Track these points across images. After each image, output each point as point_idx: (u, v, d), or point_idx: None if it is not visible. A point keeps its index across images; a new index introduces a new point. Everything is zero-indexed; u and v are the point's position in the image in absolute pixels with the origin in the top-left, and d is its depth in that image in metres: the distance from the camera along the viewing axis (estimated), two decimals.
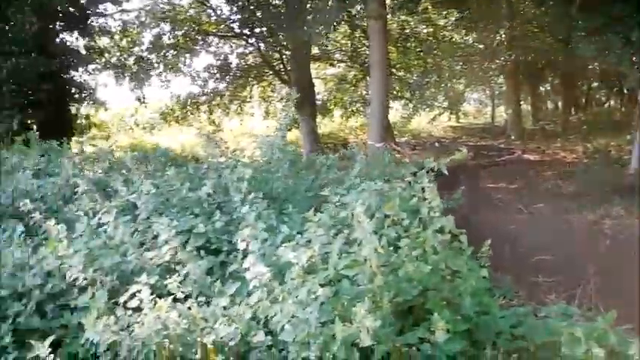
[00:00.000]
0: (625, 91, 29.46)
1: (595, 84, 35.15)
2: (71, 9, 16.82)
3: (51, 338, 3.51)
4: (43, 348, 3.36)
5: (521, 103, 29.58)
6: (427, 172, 4.70)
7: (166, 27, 19.23)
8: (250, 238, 4.04)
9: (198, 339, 3.55)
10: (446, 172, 4.73)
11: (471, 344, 3.61)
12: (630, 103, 27.54)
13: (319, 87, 25.91)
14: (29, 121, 14.01)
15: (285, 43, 18.88)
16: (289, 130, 21.16)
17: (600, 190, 12.25)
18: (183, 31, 19.57)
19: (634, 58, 12.84)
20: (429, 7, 23.44)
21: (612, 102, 36.91)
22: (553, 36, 22.07)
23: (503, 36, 24.50)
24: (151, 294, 3.86)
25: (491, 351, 3.41)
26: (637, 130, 14.31)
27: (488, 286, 4.09)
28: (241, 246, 4.06)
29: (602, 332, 3.51)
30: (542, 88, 34.46)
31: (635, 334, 3.57)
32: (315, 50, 22.01)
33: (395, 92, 24.59)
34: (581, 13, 13.86)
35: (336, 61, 24.50)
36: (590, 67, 26.81)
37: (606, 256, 8.35)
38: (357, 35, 21.55)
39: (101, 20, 18.44)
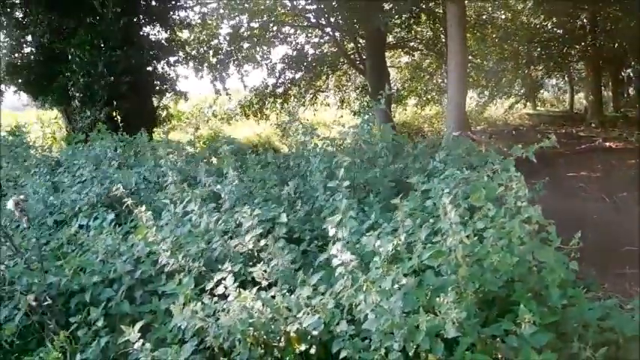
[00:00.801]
0: None
1: None
2: (153, 2, 17.20)
3: (140, 323, 3.57)
4: (133, 333, 3.45)
5: (602, 89, 28.67)
6: (515, 160, 4.62)
7: (244, 18, 19.48)
8: (338, 226, 4.05)
9: (282, 327, 3.60)
10: (534, 160, 4.64)
11: (558, 336, 3.54)
12: None
13: (394, 75, 25.76)
14: (114, 113, 14.35)
15: (360, 32, 18.80)
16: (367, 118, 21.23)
17: None
18: (259, 23, 19.75)
19: None
20: None
21: None
22: (637, 19, 21.29)
23: (585, 20, 23.77)
24: (235, 281, 3.93)
25: (578, 343, 3.34)
26: None
27: (574, 277, 4.00)
28: (331, 232, 4.07)
29: None
30: (623, 74, 33.30)
31: None
32: (390, 38, 21.86)
33: (471, 80, 24.23)
34: None
35: (411, 50, 24.27)
36: None
37: None
38: (434, 23, 21.28)
39: (182, 13, 18.80)
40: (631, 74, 33.74)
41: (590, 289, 5.76)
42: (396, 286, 3.45)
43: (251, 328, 3.56)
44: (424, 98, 25.51)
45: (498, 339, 3.36)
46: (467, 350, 3.26)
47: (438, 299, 3.25)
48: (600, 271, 6.80)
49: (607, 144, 19.27)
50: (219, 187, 5.59)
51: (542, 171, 6.57)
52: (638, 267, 6.99)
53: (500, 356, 3.33)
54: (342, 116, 22.87)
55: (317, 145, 6.52)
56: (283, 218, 4.99)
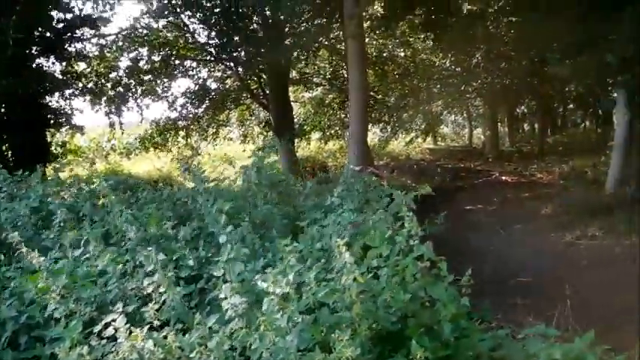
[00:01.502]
0: (600, 112, 29.85)
1: (571, 106, 35.57)
2: (48, 33, 16.76)
3: None
4: None
5: (499, 124, 29.83)
6: (399, 203, 4.72)
7: (144, 51, 19.23)
8: (227, 267, 4.01)
9: None
10: (414, 206, 4.75)
11: None
12: (606, 125, 27.91)
13: (297, 110, 25.97)
14: (3, 147, 13.81)
15: (263, 67, 18.89)
16: (270, 154, 21.14)
17: (577, 210, 12.35)
18: (160, 56, 19.55)
19: (609, 80, 13.00)
20: (407, 30, 23.66)
21: (588, 123, 37.34)
22: (529, 58, 22.35)
23: (480, 58, 24.76)
24: (127, 323, 3.81)
25: None
26: (612, 151, 14.48)
27: (466, 310, 4.10)
28: (218, 273, 4.02)
29: (580, 353, 3.53)
30: (518, 110, 34.76)
31: (612, 354, 3.58)
32: (293, 73, 22.06)
33: (373, 115, 24.71)
34: (556, 35, 14.03)
35: (314, 85, 24.57)
36: (566, 88, 27.15)
37: (583, 277, 8.40)
38: (336, 59, 21.65)
39: (78, 45, 18.36)
40: (525, 111, 35.28)
41: (484, 319, 5.93)
42: (291, 324, 3.44)
43: None
44: (327, 133, 25.79)
45: None
46: None
47: (332, 336, 3.25)
48: (494, 301, 7.00)
49: (503, 178, 19.98)
50: (108, 227, 5.44)
51: (441, 205, 6.75)
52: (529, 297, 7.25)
53: None
54: (244, 150, 22.85)
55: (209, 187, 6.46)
56: (190, 262, 4.92)
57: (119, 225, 5.41)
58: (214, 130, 22.82)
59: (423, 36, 24.02)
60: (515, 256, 9.86)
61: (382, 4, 18.44)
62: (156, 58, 19.50)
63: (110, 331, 3.81)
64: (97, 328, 3.86)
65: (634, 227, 10.55)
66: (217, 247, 5.30)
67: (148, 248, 4.52)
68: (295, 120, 23.38)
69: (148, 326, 3.82)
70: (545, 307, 6.81)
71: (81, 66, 19.23)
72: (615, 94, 13.93)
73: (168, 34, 19.89)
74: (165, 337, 3.71)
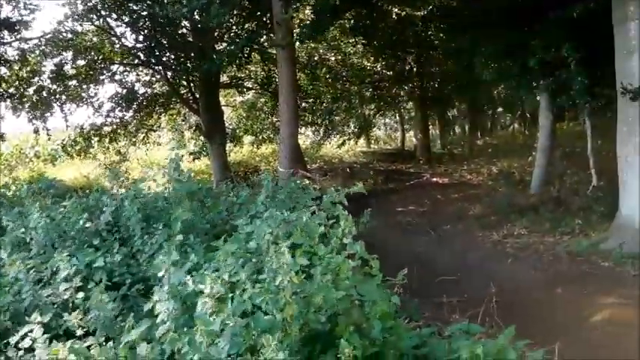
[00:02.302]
0: (527, 115, 30.65)
1: (500, 109, 36.43)
2: None
3: None
4: None
5: (430, 128, 30.30)
6: (331, 201, 4.74)
7: (68, 56, 18.71)
8: (158, 271, 3.94)
9: None
10: (346, 203, 4.79)
11: None
12: (532, 127, 28.67)
13: (229, 114, 25.79)
14: None
15: (193, 71, 18.67)
16: (197, 159, 20.82)
17: (504, 210, 12.65)
18: (86, 61, 19.08)
19: (533, 84, 13.36)
20: (337, 35, 23.81)
21: (516, 125, 38.30)
22: (457, 63, 22.81)
23: (411, 63, 25.13)
24: (45, 333, 3.69)
25: None
26: (537, 152, 14.89)
27: (395, 309, 4.13)
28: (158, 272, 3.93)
29: (501, 348, 3.59)
30: (449, 114, 35.37)
31: (533, 348, 3.67)
32: (224, 77, 21.89)
33: (306, 119, 24.75)
34: (481, 41, 14.36)
35: (246, 89, 24.44)
36: (494, 92, 27.80)
37: (508, 274, 8.61)
38: (267, 63, 21.59)
39: None
40: (455, 114, 35.94)
41: (413, 318, 6.00)
42: (222, 327, 3.39)
43: None
44: (260, 137, 25.68)
45: None
46: None
47: (262, 340, 3.23)
48: (423, 300, 7.10)
49: (434, 179, 20.31)
50: (22, 230, 5.27)
51: (373, 206, 6.77)
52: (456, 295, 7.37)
53: None
54: (184, 155, 22.50)
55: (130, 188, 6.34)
56: (100, 262, 4.79)
57: (36, 231, 5.25)
58: (143, 135, 22.40)
59: (353, 40, 24.22)
60: (443, 255, 10.03)
61: (311, 10, 18.49)
62: (81, 62, 19.01)
63: (27, 342, 3.68)
64: (13, 339, 3.72)
65: (557, 225, 10.88)
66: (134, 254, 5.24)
67: (65, 254, 4.40)
68: (227, 124, 23.20)
69: (70, 336, 3.72)
70: (471, 304, 6.94)
71: (2, 70, 18.62)
72: (538, 98, 14.33)
73: (94, 38, 19.41)
74: (88, 348, 3.61)
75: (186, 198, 6.18)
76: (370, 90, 26.58)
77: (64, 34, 18.33)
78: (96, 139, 20.78)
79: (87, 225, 5.57)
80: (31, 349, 3.61)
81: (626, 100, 8.59)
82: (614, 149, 9.47)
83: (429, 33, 23.63)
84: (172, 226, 5.38)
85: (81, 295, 4.15)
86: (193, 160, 21.72)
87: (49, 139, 20.27)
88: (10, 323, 4.04)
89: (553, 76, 12.56)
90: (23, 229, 5.32)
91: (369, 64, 26.95)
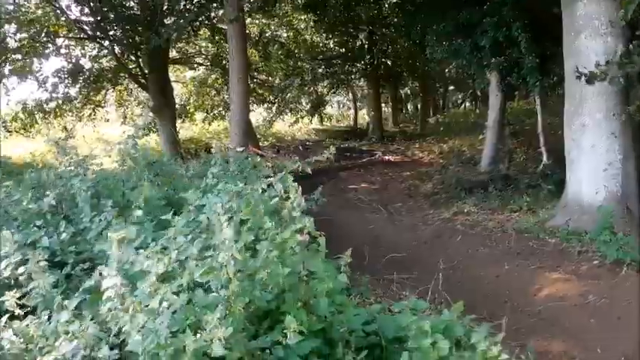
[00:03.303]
0: (478, 93, 31.01)
1: (451, 87, 36.80)
2: None
3: None
4: None
5: (382, 106, 30.42)
6: (290, 172, 4.68)
7: (11, 29, 18.11)
8: (104, 248, 3.85)
9: (38, 358, 3.32)
10: (309, 172, 4.75)
11: (325, 343, 3.61)
12: (483, 105, 29.02)
13: (179, 91, 25.46)
14: None
15: (141, 46, 18.29)
16: (146, 135, 20.55)
17: (454, 188, 12.79)
18: (30, 34, 18.51)
19: (483, 62, 13.46)
20: (289, 10, 23.65)
21: (468, 104, 38.75)
22: (409, 40, 22.89)
23: (363, 40, 25.10)
24: None
25: (343, 348, 3.42)
26: (487, 130, 15.07)
27: (343, 286, 4.12)
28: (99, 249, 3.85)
29: (449, 324, 3.62)
30: (401, 92, 35.58)
31: (480, 323, 3.70)
32: (173, 53, 21.55)
33: (257, 96, 24.59)
34: (432, 18, 14.41)
35: (196, 65, 24.13)
36: (446, 70, 28.01)
37: (458, 251, 8.70)
38: (218, 39, 21.31)
39: None
40: (408, 92, 36.18)
41: (364, 295, 6.03)
42: (165, 304, 3.33)
43: None
44: (211, 114, 25.45)
45: (267, 350, 3.36)
46: None
47: (205, 317, 3.18)
48: (373, 278, 7.13)
49: (386, 157, 20.43)
50: None
51: (326, 184, 6.75)
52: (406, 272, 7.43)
53: None
54: (124, 132, 22.11)
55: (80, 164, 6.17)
56: (45, 242, 4.66)
57: None
58: (90, 112, 21.93)
59: (305, 17, 24.10)
60: (394, 233, 10.08)
61: None
62: (24, 35, 18.43)
63: None
64: None
65: (506, 202, 11.03)
66: (80, 232, 5.12)
67: (5, 231, 4.26)
68: (177, 100, 22.90)
69: (9, 315, 3.61)
70: (421, 281, 7.01)
71: None
72: (489, 76, 14.46)
73: (38, 11, 18.82)
74: (27, 326, 3.52)
75: (145, 171, 6.10)
76: (323, 67, 26.50)
77: (6, 7, 17.73)
78: (39, 115, 20.28)
79: (30, 206, 5.42)
80: None
81: (573, 80, 8.71)
82: (563, 127, 9.61)
83: (382, 10, 23.63)
84: (133, 201, 5.30)
85: (22, 270, 4.03)
86: (142, 136, 21.35)
87: None
88: None
89: (504, 54, 12.70)
90: None
91: (321, 41, 26.88)
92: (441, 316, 3.80)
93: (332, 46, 27.20)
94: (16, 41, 18.35)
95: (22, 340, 3.35)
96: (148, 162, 6.61)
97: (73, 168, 6.03)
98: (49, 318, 3.72)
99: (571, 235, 8.63)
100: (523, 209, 10.56)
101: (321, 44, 27.13)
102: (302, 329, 3.29)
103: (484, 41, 12.49)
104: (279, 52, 24.53)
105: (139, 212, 5.32)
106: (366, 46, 25.43)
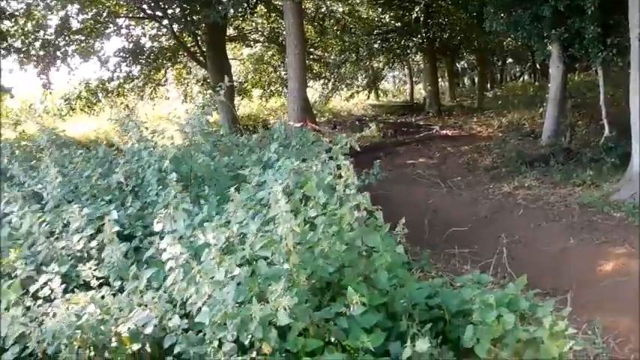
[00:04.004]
0: (537, 66, 30.35)
1: (510, 60, 36.10)
2: None
3: None
4: None
5: (439, 80, 30.05)
6: (341, 147, 4.70)
7: (73, 9, 18.47)
8: (167, 220, 3.94)
9: (113, 328, 3.45)
10: (357, 148, 4.75)
11: (388, 317, 3.65)
12: (542, 78, 28.38)
13: (237, 68, 25.62)
14: None
15: (199, 24, 18.46)
16: (215, 110, 20.78)
17: (514, 162, 12.61)
18: (92, 14, 18.82)
19: (543, 33, 13.17)
20: None
21: (526, 77, 37.98)
22: (467, 12, 22.50)
23: (419, 13, 24.78)
24: (63, 283, 3.73)
25: (407, 322, 3.45)
26: (548, 103, 14.76)
27: (404, 260, 4.13)
28: (157, 227, 3.96)
29: (513, 298, 3.61)
30: (458, 65, 35.11)
31: (544, 298, 3.68)
32: (230, 31, 21.69)
33: (314, 72, 24.58)
34: None
35: (252, 42, 24.23)
36: (504, 42, 27.46)
37: (519, 225, 8.59)
38: (274, 15, 21.34)
39: (3, 3, 17.49)
40: (465, 65, 35.65)
41: (424, 269, 6.04)
42: (228, 276, 3.41)
43: (78, 331, 3.37)
44: (268, 90, 25.56)
45: (330, 322, 3.41)
46: (299, 335, 3.28)
47: (270, 287, 3.25)
48: (434, 252, 7.14)
49: (443, 132, 20.21)
50: (40, 186, 5.27)
51: (384, 159, 6.76)
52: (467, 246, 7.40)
53: (333, 339, 3.38)
54: (187, 110, 22.45)
55: (148, 139, 6.30)
56: (114, 215, 4.80)
57: (52, 185, 5.26)
58: (151, 90, 22.31)
59: None
60: (454, 207, 10.01)
61: None
62: (87, 16, 18.76)
63: (46, 291, 3.72)
64: (32, 288, 3.76)
65: (568, 176, 10.83)
66: (152, 206, 5.24)
67: (75, 206, 4.41)
68: (235, 78, 23.06)
69: (86, 286, 3.75)
70: (482, 256, 6.98)
71: (7, 24, 18.40)
72: (550, 48, 14.13)
73: None
74: (102, 298, 3.65)
75: (210, 147, 6.22)
76: (378, 42, 26.24)
77: None
78: (102, 93, 20.72)
79: (99, 183, 5.58)
80: (49, 299, 3.65)
81: (638, 50, 8.46)
82: (626, 99, 9.36)
83: None
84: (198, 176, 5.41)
85: (94, 243, 4.17)
86: (209, 114, 21.57)
87: (50, 93, 20.14)
88: (30, 273, 4.06)
89: (565, 25, 12.39)
90: (40, 185, 5.34)
91: (377, 16, 26.64)
92: (505, 290, 3.78)
93: (388, 20, 26.89)
94: (78, 22, 18.72)
95: (99, 311, 3.46)
96: (212, 138, 6.71)
97: (139, 144, 6.18)
98: (121, 289, 3.86)
99: (636, 208, 8.44)
100: (586, 183, 10.36)
101: (376, 19, 26.85)
102: (364, 301, 3.34)
103: (545, 11, 12.20)
104: (335, 28, 24.40)
105: (204, 187, 5.44)
106: (422, 19, 25.02)
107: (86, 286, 3.86)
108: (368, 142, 16.07)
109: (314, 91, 26.47)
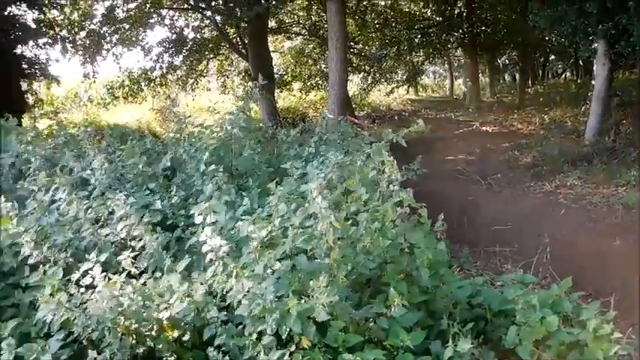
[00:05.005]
0: (580, 62, 29.86)
1: (552, 56, 35.56)
2: None
3: (13, 322, 3.44)
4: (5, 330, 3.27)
5: (480, 75, 29.75)
6: (387, 143, 4.67)
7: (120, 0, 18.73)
8: (207, 211, 3.97)
9: (154, 315, 3.48)
10: (404, 144, 4.72)
11: (428, 315, 3.63)
12: (585, 75, 27.91)
13: (277, 60, 25.70)
14: None
15: (241, 16, 18.55)
16: (255, 103, 20.88)
17: (556, 160, 12.41)
18: (136, 4, 19.05)
19: (589, 29, 12.93)
20: None
21: (568, 74, 37.40)
22: (510, 7, 22.22)
23: (461, 8, 24.54)
24: (104, 271, 3.77)
25: (447, 320, 3.42)
26: (592, 101, 14.51)
27: (445, 258, 4.10)
28: (198, 219, 3.99)
29: (556, 299, 3.55)
30: (499, 61, 34.71)
31: (587, 300, 3.62)
32: (272, 23, 21.75)
33: (353, 65, 24.52)
34: None
35: (294, 35, 24.28)
36: (547, 38, 27.07)
37: (561, 225, 8.46)
38: (315, 8, 21.36)
39: None
40: (506, 61, 35.23)
41: (464, 267, 5.98)
42: (268, 271, 3.43)
43: (121, 317, 3.42)
44: (308, 83, 25.59)
45: (370, 320, 3.40)
46: (339, 331, 3.28)
47: (310, 282, 3.25)
48: (474, 250, 7.06)
49: (483, 128, 19.99)
50: (88, 172, 5.35)
51: (422, 154, 6.69)
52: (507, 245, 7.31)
53: (373, 337, 3.37)
54: (223, 102, 22.72)
55: (193, 132, 6.34)
56: (158, 205, 4.85)
57: (100, 172, 5.34)
58: (193, 81, 22.52)
59: None
60: (494, 205, 9.90)
61: None
62: (131, 5, 19.01)
63: (88, 279, 3.77)
64: (75, 276, 3.81)
65: (612, 176, 10.64)
66: (190, 197, 5.29)
67: (120, 194, 4.46)
68: (275, 70, 23.14)
69: (126, 274, 3.79)
70: (523, 255, 6.89)
71: (54, 14, 18.74)
72: (595, 44, 13.87)
73: None
74: (144, 284, 3.69)
75: (250, 138, 6.24)
76: (419, 36, 26.08)
77: None
78: (145, 82, 20.96)
79: (144, 170, 5.64)
80: (91, 287, 3.70)
81: None
82: None
83: None
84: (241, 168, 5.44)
85: (136, 233, 4.21)
86: (250, 109, 21.68)
87: (94, 82, 20.44)
88: (72, 260, 4.12)
89: (612, 21, 12.15)
90: (89, 171, 5.42)
91: (418, 10, 26.46)
92: (547, 291, 3.73)
93: (429, 14, 26.71)
94: (123, 12, 18.96)
95: (140, 297, 3.50)
96: (253, 129, 6.75)
97: (183, 135, 6.24)
98: (160, 277, 3.90)
99: None
100: (630, 183, 10.15)
101: (418, 13, 26.69)
102: (404, 302, 3.32)
103: (591, 7, 11.97)
104: (376, 22, 24.32)
105: (247, 179, 5.47)
106: (464, 14, 24.81)
107: (127, 275, 3.90)
108: (407, 138, 15.90)
109: (353, 84, 26.42)
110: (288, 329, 3.17)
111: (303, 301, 3.19)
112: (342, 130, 7.71)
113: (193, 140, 5.98)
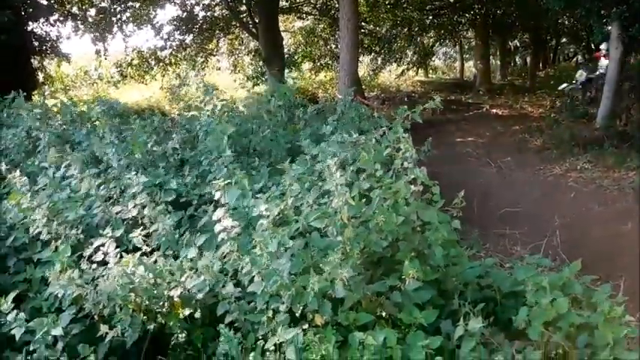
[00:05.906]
0: (592, 46, 29.61)
1: (564, 39, 35.27)
2: None
3: (14, 293, 3.43)
4: (5, 304, 3.29)
5: (490, 58, 29.56)
6: (403, 120, 4.66)
7: None
8: (222, 191, 3.97)
9: (165, 292, 3.50)
10: (420, 121, 4.70)
11: (440, 294, 3.63)
12: (597, 58, 27.67)
13: (288, 40, 25.59)
14: None
15: None
16: (257, 85, 20.82)
17: (566, 144, 12.36)
18: None
19: (603, 12, 12.81)
20: None
21: (580, 57, 37.12)
22: None
23: None
24: (116, 248, 3.79)
25: (459, 300, 3.43)
26: (604, 84, 14.40)
27: (457, 238, 4.10)
28: (217, 195, 3.99)
29: (567, 281, 3.55)
30: (510, 43, 34.46)
31: (597, 283, 3.62)
32: (283, 2, 21.64)
33: (364, 46, 24.38)
34: None
35: (304, 14, 24.14)
36: (559, 21, 26.82)
37: (571, 208, 8.44)
38: None
39: None
40: (517, 44, 34.96)
41: (473, 248, 5.99)
42: (282, 248, 3.43)
43: (132, 294, 3.44)
44: (318, 64, 25.47)
45: (383, 295, 3.41)
46: (351, 309, 3.28)
47: (324, 259, 3.25)
48: (483, 231, 7.06)
49: (494, 111, 19.92)
50: (104, 150, 5.36)
51: (432, 137, 6.67)
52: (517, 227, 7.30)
53: (384, 314, 3.38)
54: (235, 80, 22.67)
55: (215, 106, 6.30)
56: (173, 184, 4.87)
57: (111, 149, 5.35)
58: (203, 60, 22.45)
59: None
60: (504, 187, 9.89)
61: None
62: None
63: (99, 255, 3.79)
64: (86, 252, 3.83)
65: (623, 160, 10.59)
66: (206, 176, 5.30)
67: (132, 172, 4.47)
68: (285, 50, 23.05)
69: (139, 252, 3.81)
70: (533, 237, 6.89)
71: None
72: (609, 27, 13.74)
73: None
74: (155, 262, 3.71)
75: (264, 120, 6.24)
76: (430, 17, 25.89)
77: None
78: (154, 61, 20.92)
79: (154, 148, 5.65)
80: (103, 263, 3.72)
81: None
82: None
83: None
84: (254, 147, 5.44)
85: (147, 211, 4.22)
86: (253, 86, 21.70)
87: (105, 58, 20.41)
88: (83, 237, 4.14)
89: (627, 3, 12.02)
90: (100, 148, 5.43)
91: None
92: (558, 274, 3.72)
93: None
94: None
95: (151, 275, 3.52)
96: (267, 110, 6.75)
97: (193, 113, 6.23)
98: (175, 257, 3.91)
99: None
100: None
101: None
102: (419, 277, 3.33)
103: None
104: (387, 2, 24.15)
105: (254, 158, 5.47)
106: None
107: (138, 251, 3.92)
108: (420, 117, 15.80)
109: (363, 65, 26.29)
110: (302, 306, 3.18)
111: (318, 277, 3.19)
112: (357, 110, 7.70)
113: (217, 112, 5.92)
